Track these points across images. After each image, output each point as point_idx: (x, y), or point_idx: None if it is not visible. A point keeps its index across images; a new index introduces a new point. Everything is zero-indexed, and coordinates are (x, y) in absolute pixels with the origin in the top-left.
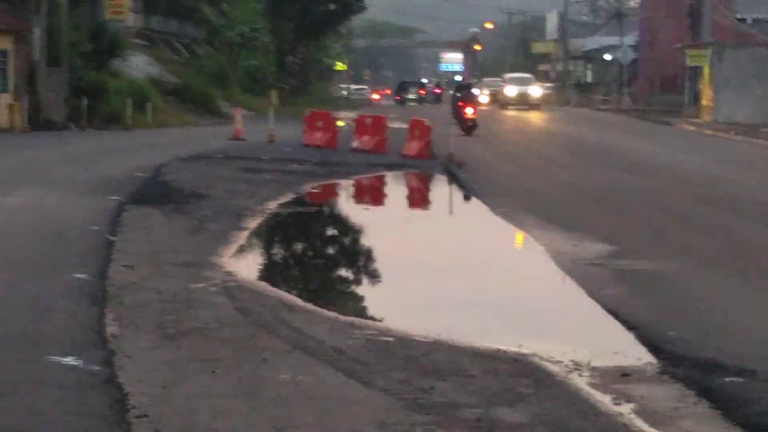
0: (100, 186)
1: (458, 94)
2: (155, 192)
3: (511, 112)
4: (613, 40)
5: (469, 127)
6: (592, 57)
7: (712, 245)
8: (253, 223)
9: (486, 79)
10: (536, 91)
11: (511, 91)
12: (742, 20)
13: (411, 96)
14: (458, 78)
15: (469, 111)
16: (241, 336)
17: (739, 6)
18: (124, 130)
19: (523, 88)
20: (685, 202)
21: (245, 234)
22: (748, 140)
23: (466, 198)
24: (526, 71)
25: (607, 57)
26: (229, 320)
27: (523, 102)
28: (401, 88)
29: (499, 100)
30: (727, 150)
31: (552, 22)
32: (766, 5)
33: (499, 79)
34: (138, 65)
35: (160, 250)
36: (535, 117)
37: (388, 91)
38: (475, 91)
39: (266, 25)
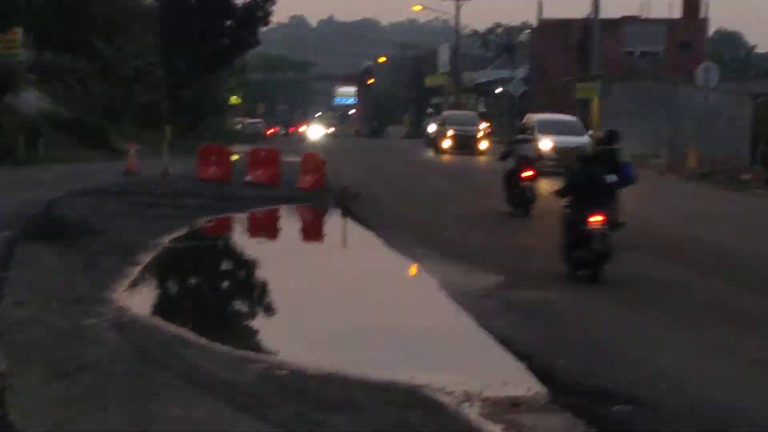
0: None
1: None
2: (48, 227)
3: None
4: (504, 73)
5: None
6: (484, 90)
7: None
8: (147, 257)
9: (450, 113)
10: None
11: (547, 144)
12: (630, 53)
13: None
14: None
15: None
16: (134, 371)
17: (627, 39)
18: (16, 166)
19: (570, 140)
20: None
21: (139, 269)
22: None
23: (360, 230)
24: (419, 104)
25: (499, 90)
26: (121, 356)
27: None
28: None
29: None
30: None
31: (444, 56)
32: (652, 39)
33: (470, 113)
34: (30, 100)
35: (53, 286)
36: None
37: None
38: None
39: (160, 60)
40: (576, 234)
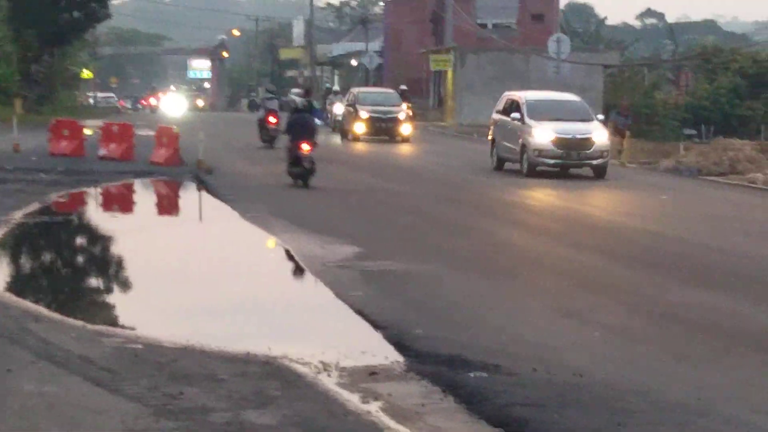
0: None
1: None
2: None
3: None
4: (359, 45)
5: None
6: (339, 63)
7: (459, 245)
8: None
9: (362, 91)
10: (602, 135)
11: (545, 135)
12: (483, 25)
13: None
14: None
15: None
16: None
17: (480, 11)
18: None
19: (576, 128)
20: (432, 204)
21: None
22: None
23: (216, 203)
24: (274, 77)
25: (354, 62)
26: None
27: (575, 158)
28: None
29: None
30: (470, 151)
31: (299, 29)
32: (505, 11)
33: (388, 90)
34: None
35: None
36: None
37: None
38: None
39: (9, 34)
40: (294, 157)
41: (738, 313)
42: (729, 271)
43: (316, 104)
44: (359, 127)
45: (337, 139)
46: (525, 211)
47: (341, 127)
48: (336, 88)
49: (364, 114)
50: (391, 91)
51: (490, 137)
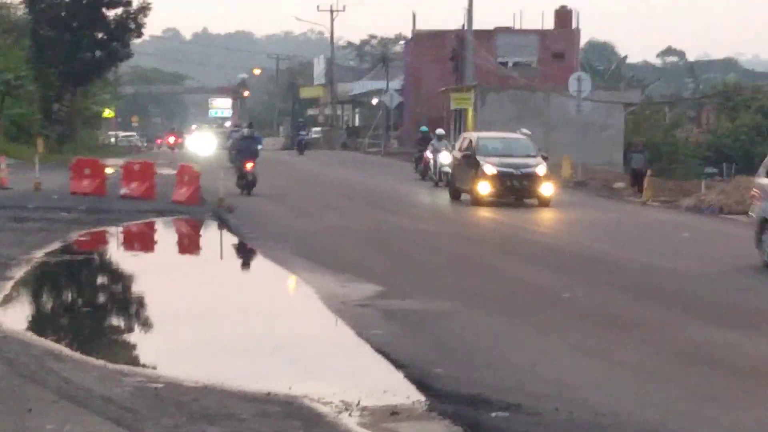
0: None
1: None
2: None
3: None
4: (379, 84)
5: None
6: (359, 101)
7: (480, 284)
8: (19, 272)
9: (482, 137)
10: None
11: None
12: (504, 64)
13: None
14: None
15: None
16: (6, 387)
17: (500, 50)
18: None
19: None
20: (453, 243)
21: (10, 284)
22: None
23: (237, 242)
24: (295, 116)
25: (374, 101)
26: None
27: None
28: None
29: None
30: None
31: (319, 67)
32: (525, 49)
33: (518, 136)
34: None
35: None
36: (302, 161)
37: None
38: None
39: (31, 73)
40: (241, 173)
41: (763, 352)
42: (753, 309)
43: (257, 133)
44: (484, 187)
45: (444, 199)
46: None
47: (452, 184)
48: (440, 131)
49: (490, 169)
50: (521, 137)
51: (753, 214)
